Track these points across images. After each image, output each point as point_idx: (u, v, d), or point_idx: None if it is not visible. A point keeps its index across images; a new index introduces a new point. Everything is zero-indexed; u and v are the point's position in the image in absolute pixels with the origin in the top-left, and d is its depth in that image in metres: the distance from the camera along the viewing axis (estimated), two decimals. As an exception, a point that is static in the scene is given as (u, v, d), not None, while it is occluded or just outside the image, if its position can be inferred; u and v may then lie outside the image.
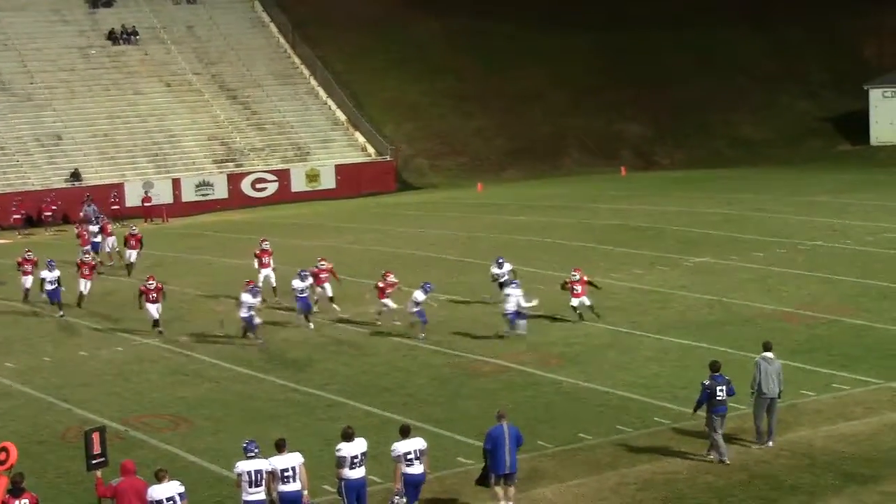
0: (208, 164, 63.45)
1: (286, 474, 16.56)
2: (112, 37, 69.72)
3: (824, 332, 27.69)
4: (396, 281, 30.37)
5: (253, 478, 16.39)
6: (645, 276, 35.20)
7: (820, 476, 18.52)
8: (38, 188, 58.62)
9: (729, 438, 19.69)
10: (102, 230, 43.37)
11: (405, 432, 17.31)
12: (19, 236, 53.74)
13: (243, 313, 29.05)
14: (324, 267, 32.19)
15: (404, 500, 17.16)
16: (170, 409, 24.09)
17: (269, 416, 23.21)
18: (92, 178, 60.30)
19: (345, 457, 16.85)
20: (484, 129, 71.45)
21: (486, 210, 52.37)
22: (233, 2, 74.93)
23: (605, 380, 24.53)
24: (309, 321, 30.46)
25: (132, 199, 59.06)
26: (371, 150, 67.08)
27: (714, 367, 19.50)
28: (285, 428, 21.45)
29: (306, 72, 71.35)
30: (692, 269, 36.01)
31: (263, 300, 31.08)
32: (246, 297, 29.11)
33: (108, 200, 57.31)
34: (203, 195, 61.23)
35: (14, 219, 55.89)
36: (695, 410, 19.62)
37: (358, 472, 16.91)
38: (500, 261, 32.16)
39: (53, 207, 56.84)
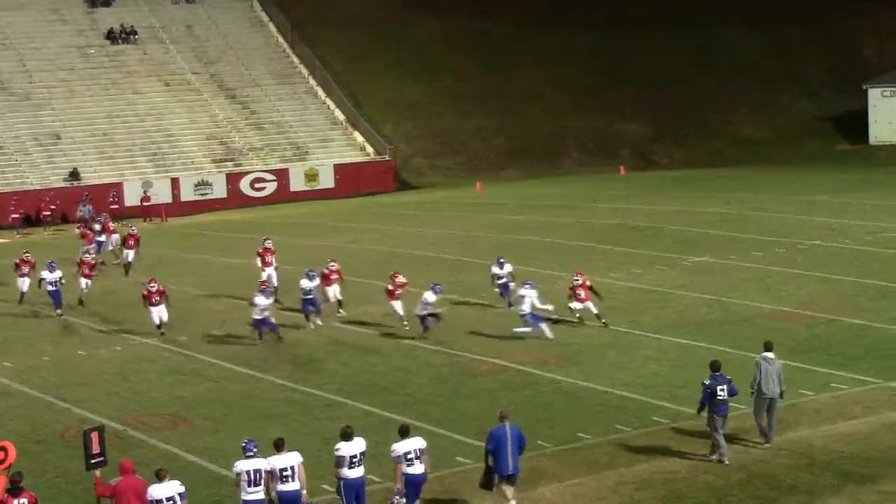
0: (207, 164, 63.44)
1: (285, 474, 16.56)
2: (111, 36, 69.71)
3: (823, 332, 27.69)
4: (405, 281, 30.18)
5: (252, 477, 16.39)
6: (644, 275, 35.20)
7: (818, 475, 18.52)
8: (37, 187, 58.61)
9: (729, 438, 19.66)
10: (105, 229, 43.34)
11: (404, 432, 17.29)
12: (18, 236, 53.73)
13: (256, 315, 28.88)
14: (333, 268, 31.96)
15: (404, 500, 17.15)
16: (169, 409, 24.09)
17: (268, 415, 23.20)
18: (91, 177, 60.29)
19: (344, 456, 16.85)
20: (483, 129, 71.45)
21: (485, 209, 52.37)
22: (231, 1, 74.94)
23: (603, 379, 24.53)
24: (309, 321, 30.38)
25: (131, 198, 59.06)
26: (370, 149, 67.08)
27: (714, 366, 19.48)
28: (284, 427, 21.45)
29: (305, 71, 71.35)
30: (691, 268, 36.01)
31: (276, 301, 31.04)
32: (259, 300, 28.94)
33: (106, 200, 57.29)
34: (202, 195, 61.23)
35: (13, 218, 55.88)
36: (699, 411, 19.52)
37: (357, 472, 16.90)
38: (501, 261, 31.99)
39: (52, 207, 56.82)
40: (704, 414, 19.48)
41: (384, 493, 17.96)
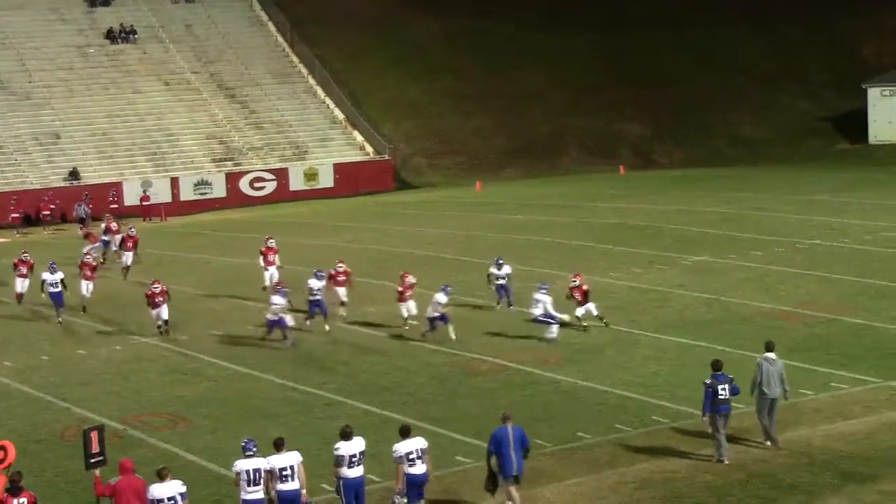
0: (207, 163, 63.43)
1: (284, 473, 16.55)
2: (110, 36, 69.70)
3: (823, 331, 27.70)
4: (415, 281, 30.02)
5: (251, 476, 16.38)
6: (643, 274, 35.19)
7: (818, 475, 18.51)
8: (37, 187, 58.59)
9: (728, 438, 19.62)
10: (108, 229, 43.21)
11: (405, 432, 17.26)
12: (17, 235, 53.71)
13: (271, 316, 28.67)
14: (341, 269, 31.74)
15: (405, 500, 17.14)
16: (168, 408, 24.08)
17: (268, 414, 23.20)
18: (90, 176, 60.28)
19: (343, 455, 16.84)
20: (483, 129, 71.44)
21: (485, 209, 52.37)
22: (231, 1, 74.93)
23: (603, 379, 24.53)
24: (307, 322, 30.28)
25: (130, 197, 59.05)
26: (369, 148, 67.07)
27: (716, 365, 19.43)
28: (284, 427, 21.45)
29: (304, 71, 71.35)
30: (690, 267, 36.01)
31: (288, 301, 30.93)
32: (276, 300, 28.71)
33: (106, 199, 57.29)
34: (201, 194, 61.22)
35: (12, 217, 55.85)
36: (704, 413, 19.28)
37: (356, 471, 16.90)
38: (500, 262, 31.83)
39: (52, 206, 56.79)
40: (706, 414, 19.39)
41: (384, 492, 17.96)
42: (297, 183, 63.44)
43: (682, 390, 22.93)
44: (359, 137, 67.71)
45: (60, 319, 32.64)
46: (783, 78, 76.35)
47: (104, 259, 41.31)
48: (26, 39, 68.03)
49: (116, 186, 59.35)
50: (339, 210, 56.51)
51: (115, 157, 62.50)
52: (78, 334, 31.48)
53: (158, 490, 15.79)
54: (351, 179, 64.06)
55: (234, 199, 61.39)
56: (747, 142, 71.99)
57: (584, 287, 28.94)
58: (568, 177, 66.03)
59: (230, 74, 69.67)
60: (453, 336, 27.90)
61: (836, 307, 29.81)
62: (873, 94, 69.58)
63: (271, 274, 34.44)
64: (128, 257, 39.65)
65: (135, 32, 69.99)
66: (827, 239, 39.19)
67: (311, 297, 29.98)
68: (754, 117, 74.18)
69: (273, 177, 63.07)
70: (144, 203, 58.23)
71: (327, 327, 29.78)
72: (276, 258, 35.08)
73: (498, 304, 31.36)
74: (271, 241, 35.76)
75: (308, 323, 30.18)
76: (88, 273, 34.47)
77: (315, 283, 30.01)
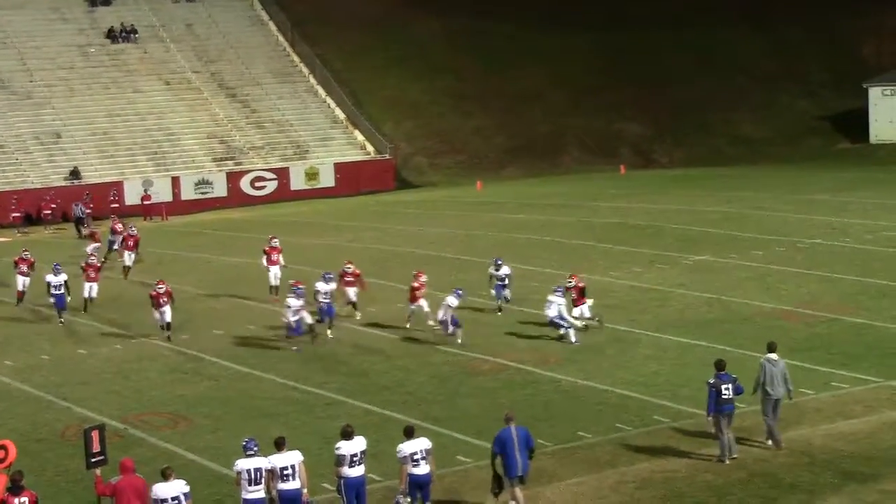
0: (207, 163, 63.46)
1: (285, 472, 16.55)
2: (111, 35, 69.73)
3: (823, 331, 27.69)
4: (425, 281, 29.85)
5: (252, 476, 16.39)
6: (644, 274, 35.20)
7: (819, 474, 18.51)
8: (38, 186, 58.62)
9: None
10: (114, 230, 43.13)
11: (409, 433, 17.25)
12: (18, 234, 53.73)
13: (290, 317, 28.26)
14: (350, 270, 31.37)
15: (408, 500, 17.14)
16: (169, 408, 24.08)
17: (269, 414, 23.20)
18: (91, 176, 60.29)
19: (344, 455, 16.84)
20: (483, 128, 71.45)
21: (485, 208, 52.37)
22: (232, 0, 74.94)
23: (603, 378, 24.52)
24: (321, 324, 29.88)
25: (131, 197, 59.08)
26: (370, 148, 67.09)
27: (719, 365, 19.42)
28: (285, 426, 21.45)
29: (305, 70, 71.37)
30: (691, 267, 36.01)
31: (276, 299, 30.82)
32: (292, 301, 28.24)
33: (107, 199, 57.30)
34: (202, 193, 61.25)
35: (13, 217, 55.90)
36: (709, 413, 19.27)
37: (357, 471, 16.89)
38: (499, 262, 31.66)
39: (53, 206, 56.77)
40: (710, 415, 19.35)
41: (385, 491, 17.97)
42: (297, 182, 63.47)
43: (683, 390, 22.93)
44: (360, 137, 67.73)
45: (62, 320, 32.58)
46: (783, 78, 76.35)
47: (105, 259, 41.28)
48: (27, 39, 68.08)
49: (117, 186, 59.37)
50: (339, 209, 56.52)
51: (115, 157, 62.52)
52: (78, 334, 31.48)
53: (162, 490, 15.79)
54: (352, 179, 64.07)
55: (235, 198, 61.41)
56: (748, 141, 71.99)
57: (581, 285, 28.95)
58: (568, 176, 66.04)
59: (231, 74, 69.70)
60: (460, 341, 27.78)
61: (837, 306, 29.82)
62: (874, 93, 69.61)
63: (274, 273, 34.41)
64: (128, 257, 39.61)
65: (135, 32, 70.01)
66: (828, 238, 39.19)
67: (319, 301, 29.35)
68: (754, 117, 74.18)
69: (274, 176, 63.08)
70: (145, 202, 58.25)
71: (330, 334, 29.23)
72: (280, 258, 35.00)
73: (500, 309, 31.09)
74: (275, 240, 35.68)
75: (329, 333, 29.29)
76: (92, 274, 34.26)
77: (322, 287, 29.45)
